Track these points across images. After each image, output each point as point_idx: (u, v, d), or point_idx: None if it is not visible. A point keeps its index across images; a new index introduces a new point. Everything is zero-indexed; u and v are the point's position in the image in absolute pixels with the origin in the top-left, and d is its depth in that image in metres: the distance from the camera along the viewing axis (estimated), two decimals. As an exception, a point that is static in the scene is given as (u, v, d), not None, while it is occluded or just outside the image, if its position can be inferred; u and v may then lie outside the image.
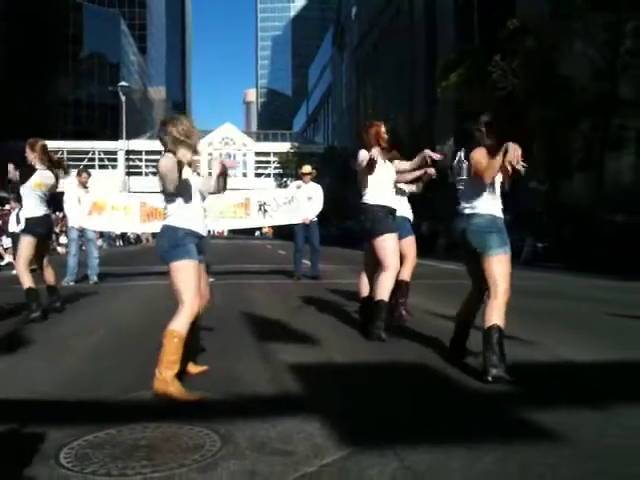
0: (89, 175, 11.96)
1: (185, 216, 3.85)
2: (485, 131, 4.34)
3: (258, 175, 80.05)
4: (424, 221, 27.95)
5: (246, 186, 57.12)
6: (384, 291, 5.57)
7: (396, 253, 5.75)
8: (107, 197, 12.50)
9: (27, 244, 6.80)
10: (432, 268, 15.98)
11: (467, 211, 4.34)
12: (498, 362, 3.98)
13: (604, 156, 20.65)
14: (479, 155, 4.22)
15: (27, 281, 6.75)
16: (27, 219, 6.85)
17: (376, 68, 59.89)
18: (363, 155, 5.62)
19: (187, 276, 3.77)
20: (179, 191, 3.82)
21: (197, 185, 3.97)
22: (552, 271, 15.61)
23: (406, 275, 6.83)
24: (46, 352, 5.08)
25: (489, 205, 4.28)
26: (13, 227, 15.68)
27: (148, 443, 2.90)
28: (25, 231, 6.88)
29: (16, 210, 15.77)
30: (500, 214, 4.32)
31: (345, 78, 76.56)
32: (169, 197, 3.86)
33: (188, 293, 3.75)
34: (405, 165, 6.41)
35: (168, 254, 3.80)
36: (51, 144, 7.31)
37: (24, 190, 6.83)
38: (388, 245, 5.66)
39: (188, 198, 3.88)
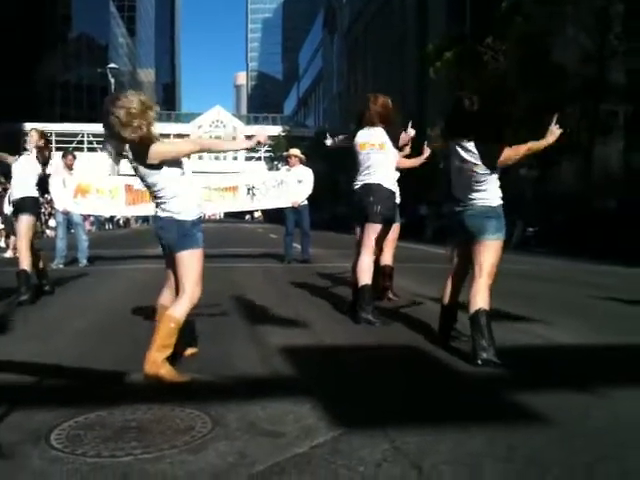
0: (74, 157, 11.89)
1: (188, 206, 3.78)
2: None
3: (248, 158, 79.72)
4: (421, 204, 27.98)
5: (236, 169, 57.02)
6: (367, 275, 5.60)
7: (378, 240, 5.84)
8: (92, 180, 12.34)
9: (30, 224, 6.80)
10: (422, 252, 16.04)
11: (468, 195, 4.33)
12: (487, 345, 4.00)
13: (593, 142, 20.69)
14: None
15: (25, 263, 6.73)
16: (27, 199, 6.84)
17: (367, 52, 59.61)
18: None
19: (194, 266, 3.76)
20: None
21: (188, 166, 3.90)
22: (542, 255, 15.70)
23: (388, 259, 6.92)
24: (36, 334, 5.07)
25: (489, 197, 4.29)
26: (7, 209, 15.58)
27: (139, 425, 2.91)
28: (26, 211, 6.86)
29: (10, 191, 15.66)
30: (499, 200, 4.32)
31: (336, 63, 76.13)
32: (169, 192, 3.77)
33: (191, 282, 3.74)
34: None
35: (178, 243, 3.76)
36: (39, 126, 7.37)
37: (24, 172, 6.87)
38: (380, 233, 5.74)
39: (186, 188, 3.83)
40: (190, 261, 3.77)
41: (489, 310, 4.14)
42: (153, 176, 3.71)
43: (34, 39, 75.15)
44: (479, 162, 4.20)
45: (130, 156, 3.68)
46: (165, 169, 3.69)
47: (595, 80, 19.64)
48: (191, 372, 3.76)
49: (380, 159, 5.69)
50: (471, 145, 4.22)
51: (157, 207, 3.84)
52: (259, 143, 3.93)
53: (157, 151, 3.62)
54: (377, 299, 6.11)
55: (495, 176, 4.30)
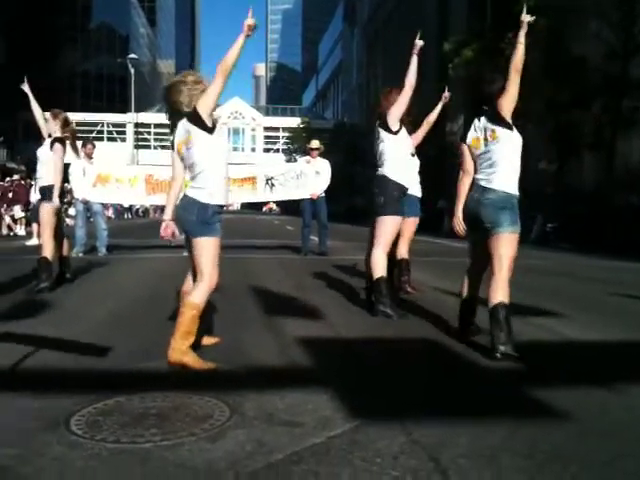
0: (94, 146, 11.97)
1: (216, 190, 3.87)
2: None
3: (267, 150, 79.70)
4: (439, 198, 27.83)
5: (254, 161, 57.11)
6: (379, 268, 5.57)
7: (394, 235, 5.77)
8: (111, 169, 12.45)
9: (52, 211, 6.83)
10: (440, 245, 15.99)
11: (483, 184, 4.32)
12: (506, 339, 3.98)
13: (615, 137, 20.49)
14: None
15: (47, 251, 6.76)
16: (49, 186, 6.86)
17: (387, 44, 59.30)
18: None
19: (210, 252, 3.83)
20: None
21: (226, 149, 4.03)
22: (561, 251, 15.58)
23: (404, 252, 6.91)
24: (56, 321, 5.12)
25: (506, 181, 4.26)
26: (33, 197, 15.84)
27: (158, 412, 2.93)
28: (48, 199, 6.89)
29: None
30: (516, 192, 4.29)
31: (356, 55, 75.82)
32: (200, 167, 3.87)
33: (208, 268, 3.82)
34: (433, 116, 7.02)
35: (196, 229, 3.84)
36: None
37: (49, 158, 6.88)
38: (391, 226, 5.67)
39: (220, 167, 3.92)
40: (207, 248, 3.83)
41: (509, 304, 4.13)
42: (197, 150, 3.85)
43: (54, 29, 75.41)
44: (496, 126, 4.28)
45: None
46: (208, 145, 3.84)
47: (618, 75, 19.42)
48: (208, 361, 3.77)
49: (390, 151, 5.68)
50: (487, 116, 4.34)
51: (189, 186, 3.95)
52: (249, 27, 3.88)
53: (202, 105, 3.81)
54: (394, 292, 6.09)
55: (514, 157, 4.30)
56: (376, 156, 5.78)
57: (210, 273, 3.81)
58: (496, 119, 4.28)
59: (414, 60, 5.71)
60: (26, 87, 7.17)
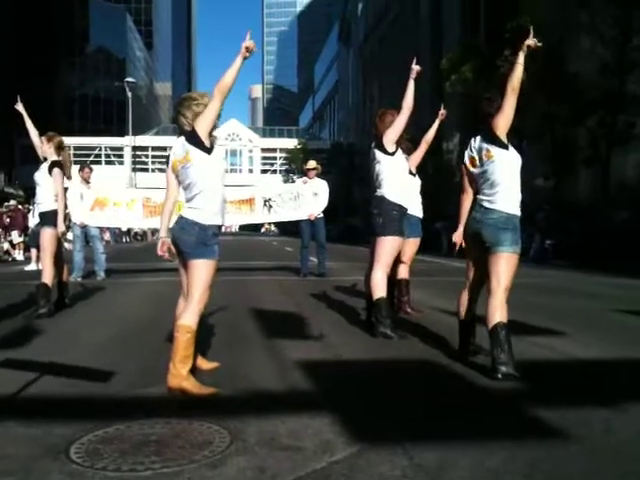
0: (91, 170, 12.00)
1: (214, 210, 3.87)
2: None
3: (264, 171, 79.91)
4: (437, 219, 27.86)
5: (252, 182, 57.25)
6: (379, 289, 5.54)
7: (394, 256, 5.75)
8: (109, 193, 12.45)
9: (53, 237, 6.82)
10: (439, 265, 15.98)
11: (485, 204, 4.33)
12: (507, 359, 3.97)
13: (610, 153, 20.59)
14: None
15: (47, 277, 6.75)
16: (50, 212, 6.86)
17: (382, 65, 59.74)
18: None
19: (205, 274, 3.81)
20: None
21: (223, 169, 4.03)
22: (560, 268, 15.56)
23: (404, 273, 6.90)
24: (55, 347, 5.10)
25: (508, 202, 4.27)
26: (31, 222, 15.87)
27: (158, 439, 2.91)
28: (49, 224, 6.87)
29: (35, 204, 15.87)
30: (518, 212, 4.30)
31: (351, 75, 76.32)
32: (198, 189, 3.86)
33: (200, 289, 3.79)
34: (431, 135, 7.05)
35: (195, 250, 3.81)
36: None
37: (47, 182, 6.86)
38: (392, 247, 5.65)
39: (218, 188, 3.92)
40: (204, 270, 3.81)
41: (506, 323, 4.12)
42: (192, 167, 3.86)
43: (52, 52, 75.84)
44: (490, 145, 4.31)
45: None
46: (206, 165, 3.85)
47: (613, 92, 19.55)
48: (207, 386, 3.75)
49: (388, 171, 5.69)
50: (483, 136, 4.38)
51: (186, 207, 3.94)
52: (247, 48, 3.84)
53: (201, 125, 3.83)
54: (394, 313, 6.07)
55: (513, 177, 4.30)
56: (373, 177, 5.79)
57: (201, 295, 3.79)
58: (490, 138, 4.30)
59: (411, 84, 5.67)
60: (20, 107, 7.19)
